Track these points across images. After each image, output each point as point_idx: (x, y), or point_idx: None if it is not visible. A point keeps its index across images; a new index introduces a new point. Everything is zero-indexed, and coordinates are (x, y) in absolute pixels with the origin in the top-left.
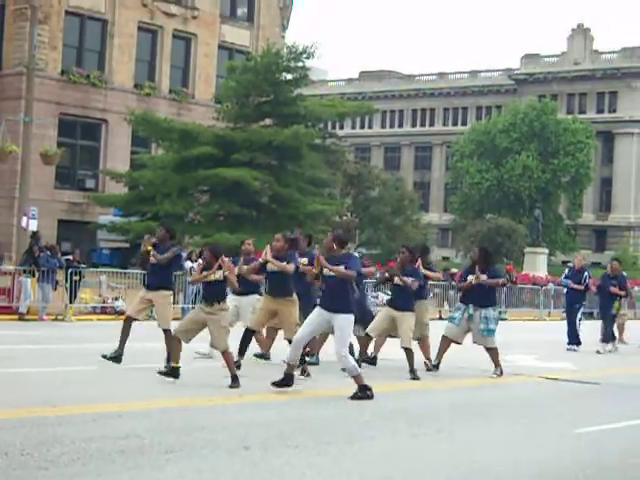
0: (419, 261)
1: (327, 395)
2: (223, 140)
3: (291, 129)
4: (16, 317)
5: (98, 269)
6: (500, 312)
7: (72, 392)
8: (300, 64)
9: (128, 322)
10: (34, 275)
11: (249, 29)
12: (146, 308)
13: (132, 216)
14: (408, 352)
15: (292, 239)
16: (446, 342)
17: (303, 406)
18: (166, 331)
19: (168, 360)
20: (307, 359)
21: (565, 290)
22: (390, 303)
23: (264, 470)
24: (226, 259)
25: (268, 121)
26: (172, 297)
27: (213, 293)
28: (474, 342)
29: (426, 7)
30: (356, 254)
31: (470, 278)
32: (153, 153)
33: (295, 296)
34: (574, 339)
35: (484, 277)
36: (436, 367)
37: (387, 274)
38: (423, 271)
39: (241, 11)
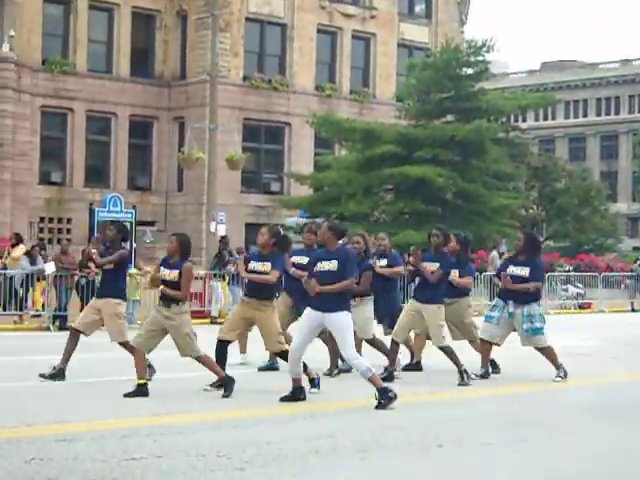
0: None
1: (519, 390)
2: (406, 138)
3: (473, 124)
4: (208, 320)
5: None
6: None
7: (264, 393)
8: (480, 58)
9: (74, 335)
10: (224, 279)
11: (427, 26)
12: (96, 320)
13: (318, 217)
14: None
15: (279, 235)
16: (485, 346)
17: (496, 402)
18: (122, 344)
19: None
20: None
21: None
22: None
23: (459, 468)
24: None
25: (450, 117)
26: (122, 307)
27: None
28: (523, 345)
29: None
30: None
31: (512, 269)
32: (336, 154)
33: (274, 302)
34: None
35: (519, 269)
36: (485, 375)
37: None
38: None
39: (419, 8)
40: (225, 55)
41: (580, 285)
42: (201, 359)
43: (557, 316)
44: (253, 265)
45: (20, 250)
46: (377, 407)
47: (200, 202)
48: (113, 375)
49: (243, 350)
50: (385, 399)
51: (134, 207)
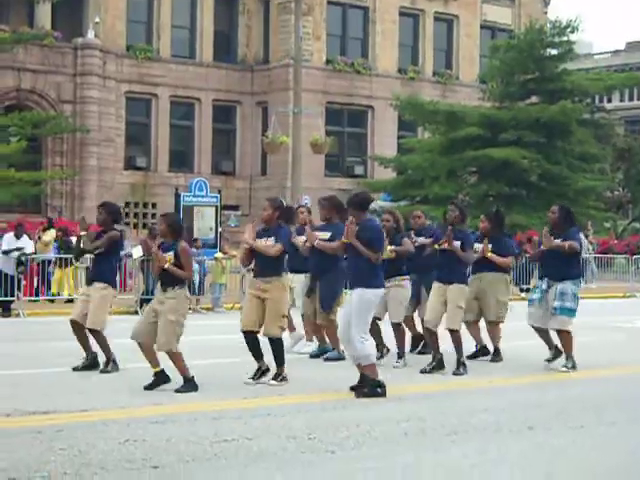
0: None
1: (605, 374)
2: (489, 120)
3: (558, 105)
4: None
5: None
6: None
7: (352, 377)
8: (564, 39)
9: (76, 328)
10: None
11: (510, 7)
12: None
13: (401, 200)
14: (452, 335)
15: (282, 207)
16: (541, 333)
17: (584, 385)
18: (93, 332)
19: (107, 363)
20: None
21: None
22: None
23: (548, 451)
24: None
25: (534, 98)
26: (110, 293)
27: (167, 275)
28: (548, 326)
29: None
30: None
31: (554, 242)
32: (419, 137)
33: (285, 278)
34: None
35: (557, 241)
36: (572, 367)
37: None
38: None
39: None
40: (308, 39)
41: None
42: (172, 356)
43: None
44: (258, 242)
45: (50, 235)
46: (357, 394)
47: (284, 186)
48: (199, 359)
49: (310, 339)
50: (371, 392)
51: (219, 191)
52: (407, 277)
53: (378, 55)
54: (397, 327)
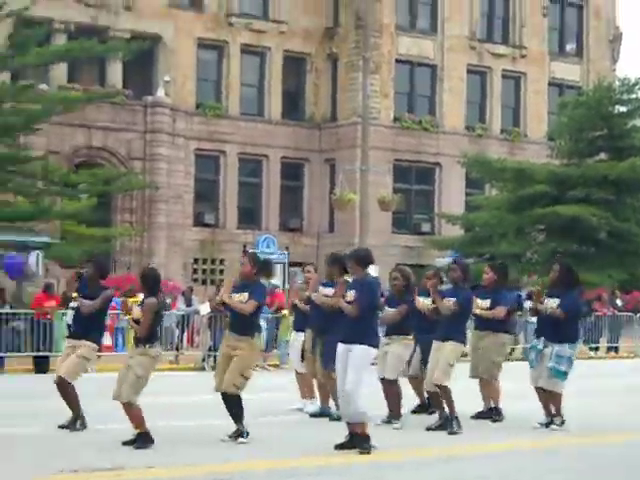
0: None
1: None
2: (557, 177)
3: (627, 162)
4: None
5: None
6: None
7: (401, 436)
8: (633, 96)
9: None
10: None
11: (579, 64)
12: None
13: (469, 257)
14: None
15: (260, 262)
16: (542, 393)
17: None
18: (63, 384)
19: (74, 420)
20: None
21: None
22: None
23: None
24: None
25: (603, 155)
26: (96, 352)
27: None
28: (535, 383)
29: None
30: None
31: (546, 304)
32: (487, 194)
33: (255, 339)
34: None
35: (551, 303)
36: (561, 423)
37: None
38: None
39: (570, 47)
40: (375, 97)
41: None
42: (130, 408)
43: None
44: (233, 298)
45: None
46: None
47: (351, 243)
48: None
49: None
50: (365, 447)
51: (287, 248)
52: (410, 337)
53: (445, 112)
54: (390, 385)
